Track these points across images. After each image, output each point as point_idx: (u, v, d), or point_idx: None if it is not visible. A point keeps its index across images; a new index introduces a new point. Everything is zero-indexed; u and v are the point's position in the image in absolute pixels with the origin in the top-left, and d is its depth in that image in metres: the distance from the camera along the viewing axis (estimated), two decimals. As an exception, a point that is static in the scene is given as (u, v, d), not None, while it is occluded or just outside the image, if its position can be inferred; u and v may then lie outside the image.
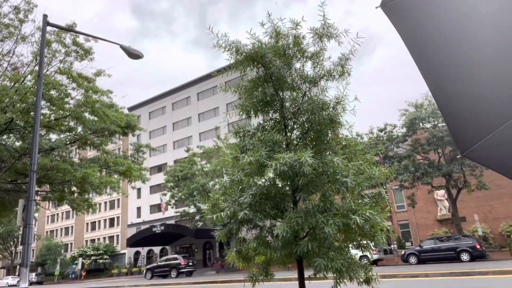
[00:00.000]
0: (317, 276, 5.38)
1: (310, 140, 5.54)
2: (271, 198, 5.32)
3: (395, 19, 1.20)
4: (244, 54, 5.79)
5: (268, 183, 5.46)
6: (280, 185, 5.51)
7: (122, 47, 13.78)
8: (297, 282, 5.79)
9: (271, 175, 5.90)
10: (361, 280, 5.04)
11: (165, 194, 40.65)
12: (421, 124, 26.61)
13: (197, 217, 38.49)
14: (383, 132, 28.39)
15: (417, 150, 27.21)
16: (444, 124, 25.78)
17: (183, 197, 36.57)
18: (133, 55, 14.04)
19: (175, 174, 37.26)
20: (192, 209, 37.90)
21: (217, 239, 5.77)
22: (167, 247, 51.15)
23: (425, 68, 1.19)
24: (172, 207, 41.60)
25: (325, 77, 5.64)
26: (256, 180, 5.79)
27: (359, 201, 4.99)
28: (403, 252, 26.18)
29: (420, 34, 1.17)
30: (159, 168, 54.31)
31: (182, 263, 34.23)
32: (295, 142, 5.68)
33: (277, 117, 6.02)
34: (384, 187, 7.28)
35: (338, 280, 5.07)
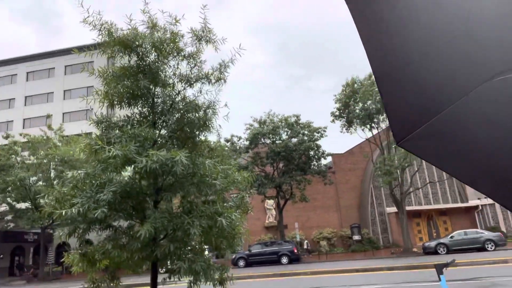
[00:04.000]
0: (171, 279, 5.24)
1: (181, 140, 5.43)
2: (132, 197, 4.95)
3: None
4: (117, 38, 5.30)
5: (132, 181, 5.07)
6: (145, 184, 5.19)
7: None
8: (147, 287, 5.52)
9: (128, 173, 5.51)
10: (216, 282, 5.15)
11: (-35, 188, 32.76)
12: (262, 139, 29.21)
13: (9, 217, 32.34)
14: (229, 142, 29.96)
15: (257, 162, 29.70)
16: (281, 141, 28.97)
17: (-8, 192, 30.17)
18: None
19: (-15, 164, 30.53)
20: (3, 207, 31.63)
21: (60, 238, 5.01)
22: (-41, 253, 41.09)
23: (371, 48, 1.12)
24: (-25, 204, 33.84)
25: (202, 80, 5.65)
26: (114, 177, 5.31)
27: (225, 204, 5.13)
28: (233, 256, 27.87)
29: (372, 12, 1.11)
30: (-40, 155, 43.58)
31: None
32: (163, 140, 5.47)
33: (146, 112, 5.69)
34: (248, 192, 7.60)
35: (193, 283, 5.05)
